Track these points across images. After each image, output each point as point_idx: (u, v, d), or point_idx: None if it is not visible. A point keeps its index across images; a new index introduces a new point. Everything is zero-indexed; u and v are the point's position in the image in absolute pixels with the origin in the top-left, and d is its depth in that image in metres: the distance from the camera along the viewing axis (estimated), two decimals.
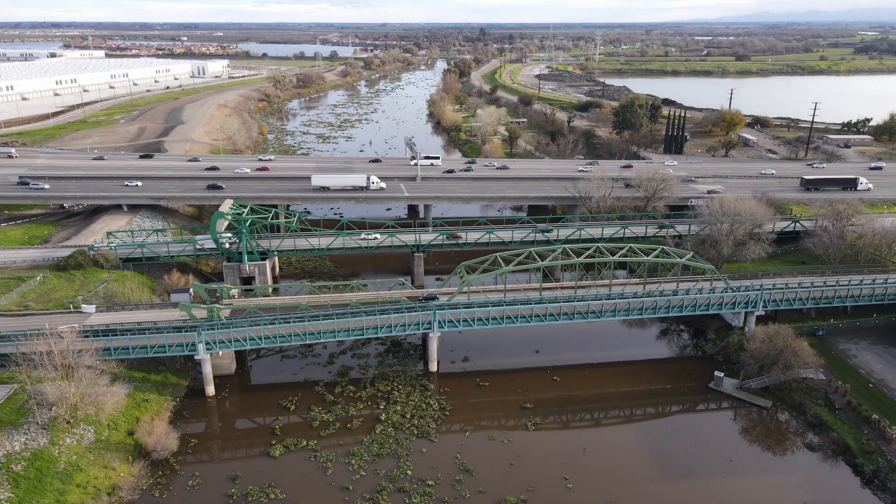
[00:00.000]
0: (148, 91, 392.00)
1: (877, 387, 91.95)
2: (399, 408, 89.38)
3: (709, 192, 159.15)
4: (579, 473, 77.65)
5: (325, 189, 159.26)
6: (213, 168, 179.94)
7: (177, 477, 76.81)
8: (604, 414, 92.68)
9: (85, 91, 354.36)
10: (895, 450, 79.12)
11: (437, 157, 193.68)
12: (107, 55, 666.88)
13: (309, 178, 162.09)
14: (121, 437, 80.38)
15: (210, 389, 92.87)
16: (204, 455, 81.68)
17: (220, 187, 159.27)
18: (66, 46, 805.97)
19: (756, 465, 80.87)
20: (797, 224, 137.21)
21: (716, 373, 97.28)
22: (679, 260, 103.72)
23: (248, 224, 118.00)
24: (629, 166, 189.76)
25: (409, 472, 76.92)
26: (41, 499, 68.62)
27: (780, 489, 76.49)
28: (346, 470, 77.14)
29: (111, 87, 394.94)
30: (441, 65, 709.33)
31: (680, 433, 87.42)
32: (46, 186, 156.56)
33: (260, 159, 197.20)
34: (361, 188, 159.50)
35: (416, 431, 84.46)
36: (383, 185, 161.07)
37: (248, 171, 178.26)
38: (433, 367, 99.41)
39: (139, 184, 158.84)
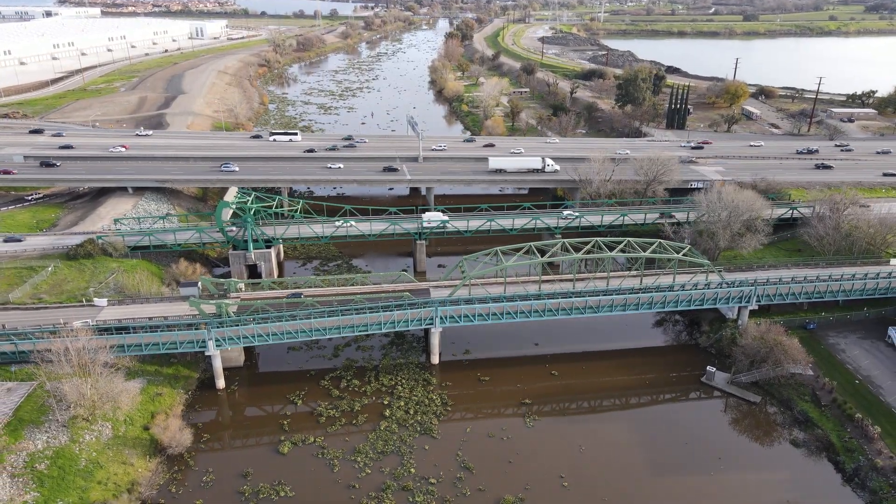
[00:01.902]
0: (146, 55, 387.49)
1: (862, 383, 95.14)
2: (402, 403, 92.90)
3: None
4: (575, 471, 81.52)
5: (501, 171, 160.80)
6: (68, 147, 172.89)
7: (191, 472, 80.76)
8: (599, 403, 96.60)
9: (83, 55, 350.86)
10: (876, 448, 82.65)
11: (296, 133, 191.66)
12: (102, 13, 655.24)
13: (167, 159, 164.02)
14: (137, 433, 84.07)
15: (220, 383, 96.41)
16: (217, 450, 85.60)
17: (54, 165, 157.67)
18: (61, 2, 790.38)
19: (743, 461, 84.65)
20: (794, 211, 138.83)
21: (708, 368, 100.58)
22: (675, 255, 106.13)
23: (252, 213, 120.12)
24: (491, 145, 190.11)
25: (412, 469, 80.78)
26: (66, 497, 72.60)
27: (765, 486, 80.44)
28: (352, 468, 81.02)
29: (109, 51, 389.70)
30: (443, 24, 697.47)
31: (672, 429, 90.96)
32: (236, 168, 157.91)
33: (137, 134, 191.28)
34: (537, 170, 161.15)
35: (418, 428, 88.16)
36: (557, 167, 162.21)
37: (123, 149, 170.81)
38: (435, 359, 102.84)
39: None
